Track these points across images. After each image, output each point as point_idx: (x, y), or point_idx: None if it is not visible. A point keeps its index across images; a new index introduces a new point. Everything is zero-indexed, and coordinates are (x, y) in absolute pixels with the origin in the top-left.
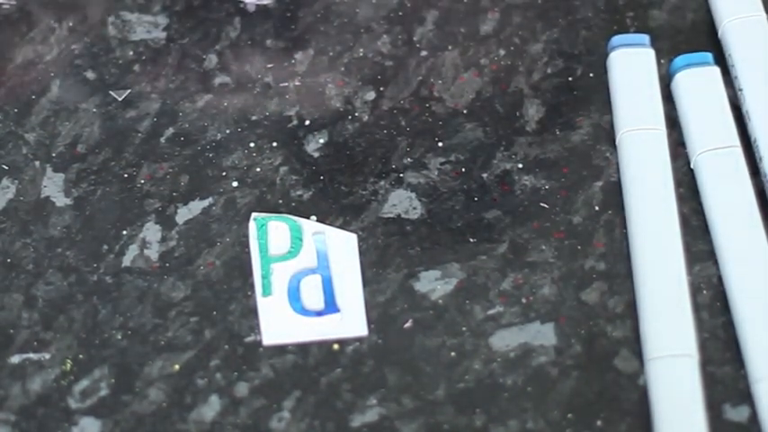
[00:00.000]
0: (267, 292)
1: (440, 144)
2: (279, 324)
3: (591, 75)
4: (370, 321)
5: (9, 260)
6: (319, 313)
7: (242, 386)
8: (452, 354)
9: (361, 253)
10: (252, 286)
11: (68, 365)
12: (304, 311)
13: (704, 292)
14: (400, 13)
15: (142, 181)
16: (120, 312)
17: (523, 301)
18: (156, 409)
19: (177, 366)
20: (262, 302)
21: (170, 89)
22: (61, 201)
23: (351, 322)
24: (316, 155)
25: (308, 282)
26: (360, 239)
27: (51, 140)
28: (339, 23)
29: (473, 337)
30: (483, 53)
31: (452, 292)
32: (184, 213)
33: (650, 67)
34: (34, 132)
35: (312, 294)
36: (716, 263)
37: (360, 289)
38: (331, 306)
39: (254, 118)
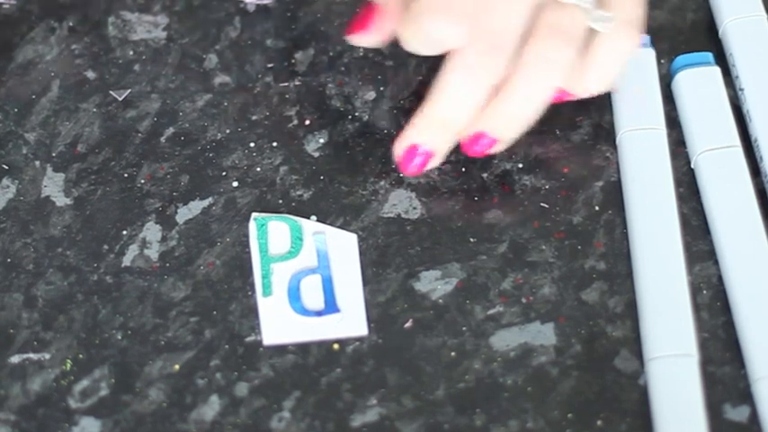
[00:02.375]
0: (267, 292)
1: None
2: (279, 324)
3: None
4: (370, 321)
5: (9, 260)
6: (319, 313)
7: (242, 386)
8: (452, 354)
9: (361, 253)
10: (252, 286)
11: (68, 365)
12: (304, 311)
13: (704, 292)
14: None
15: (142, 181)
16: (120, 312)
17: (523, 301)
18: (156, 409)
19: (177, 366)
20: (262, 302)
21: (170, 89)
22: (61, 200)
23: (351, 322)
24: (316, 155)
25: (308, 282)
26: (360, 239)
27: (51, 140)
28: (339, 23)
29: (473, 337)
30: None
31: (452, 291)
32: (184, 213)
33: (650, 67)
34: (34, 132)
35: (312, 294)
36: (716, 263)
37: (360, 289)
38: (331, 306)
39: (254, 118)
